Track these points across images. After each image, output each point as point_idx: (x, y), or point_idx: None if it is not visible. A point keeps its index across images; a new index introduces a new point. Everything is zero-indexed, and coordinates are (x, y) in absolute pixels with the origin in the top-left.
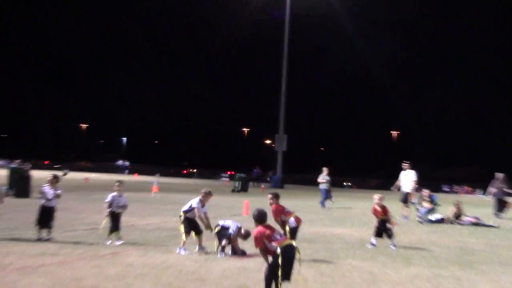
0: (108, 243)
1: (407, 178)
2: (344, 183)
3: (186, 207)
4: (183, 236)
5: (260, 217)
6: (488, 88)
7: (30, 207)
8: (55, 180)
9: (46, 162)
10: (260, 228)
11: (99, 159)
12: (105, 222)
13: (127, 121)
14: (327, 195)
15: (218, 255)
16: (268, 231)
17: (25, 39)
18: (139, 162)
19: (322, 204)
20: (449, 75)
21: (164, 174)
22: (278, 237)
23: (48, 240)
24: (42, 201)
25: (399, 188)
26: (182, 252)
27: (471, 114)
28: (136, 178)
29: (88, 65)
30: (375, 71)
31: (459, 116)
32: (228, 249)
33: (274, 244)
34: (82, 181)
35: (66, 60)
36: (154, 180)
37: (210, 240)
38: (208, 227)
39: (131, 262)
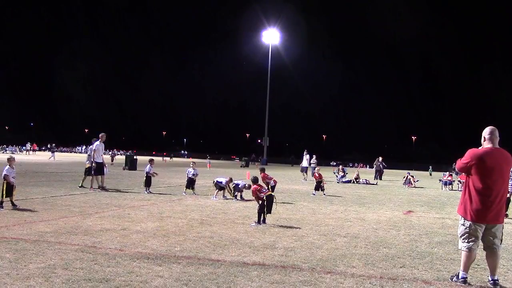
0: (184, 194)
1: (306, 159)
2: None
3: (219, 179)
4: (216, 191)
5: (255, 180)
6: None
7: (137, 175)
8: (152, 162)
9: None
10: (255, 186)
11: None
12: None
13: (186, 128)
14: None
15: (234, 200)
16: (259, 187)
17: None
18: (193, 152)
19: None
20: None
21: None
22: (264, 190)
23: (150, 192)
24: (147, 173)
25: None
26: (214, 198)
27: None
28: (191, 159)
29: None
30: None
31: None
32: (238, 197)
33: (262, 194)
34: (162, 161)
35: None
36: (207, 161)
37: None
38: (230, 190)
39: (188, 203)
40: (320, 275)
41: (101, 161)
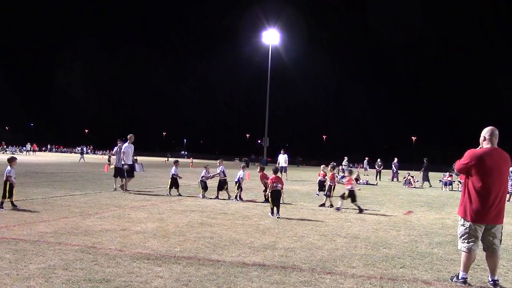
0: (200, 196)
1: (282, 159)
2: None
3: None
4: (217, 192)
5: (275, 171)
6: None
7: (136, 175)
8: (177, 163)
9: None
10: (274, 176)
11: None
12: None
13: (186, 128)
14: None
15: (234, 200)
16: (276, 180)
17: None
18: (194, 152)
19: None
20: None
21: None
22: (278, 186)
23: (180, 195)
24: (173, 175)
25: (278, 163)
26: (214, 199)
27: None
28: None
29: None
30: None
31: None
32: (238, 197)
33: (278, 184)
34: (162, 162)
35: None
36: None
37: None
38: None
39: (188, 204)
40: (320, 276)
41: (131, 163)
